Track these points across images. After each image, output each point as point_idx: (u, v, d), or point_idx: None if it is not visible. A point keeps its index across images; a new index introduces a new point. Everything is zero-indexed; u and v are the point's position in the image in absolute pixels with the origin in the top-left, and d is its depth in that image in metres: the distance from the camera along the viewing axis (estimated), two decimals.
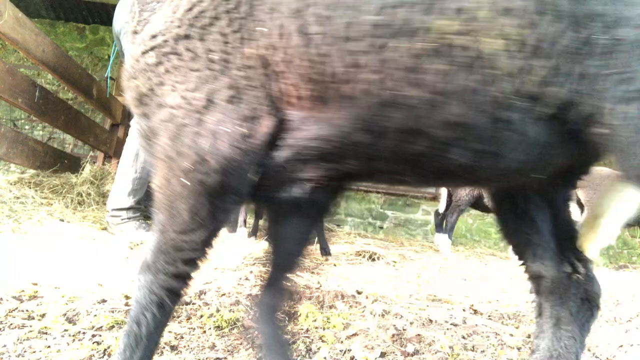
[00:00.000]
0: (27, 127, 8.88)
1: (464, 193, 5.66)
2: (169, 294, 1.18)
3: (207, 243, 1.15)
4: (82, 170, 5.84)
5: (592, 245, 1.22)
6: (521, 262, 1.44)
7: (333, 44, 0.97)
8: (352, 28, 0.96)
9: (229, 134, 1.03)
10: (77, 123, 5.88)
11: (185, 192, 1.09)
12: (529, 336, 2.33)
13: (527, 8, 0.93)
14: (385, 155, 1.06)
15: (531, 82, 0.95)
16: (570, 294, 1.34)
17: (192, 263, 1.18)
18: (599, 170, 5.73)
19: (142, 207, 4.24)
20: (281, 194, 1.22)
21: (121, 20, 3.87)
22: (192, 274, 1.21)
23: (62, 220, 4.23)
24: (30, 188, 5.06)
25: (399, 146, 1.03)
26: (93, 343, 1.90)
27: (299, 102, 1.04)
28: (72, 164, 6.02)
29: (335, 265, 4.13)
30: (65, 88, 7.71)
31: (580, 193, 5.51)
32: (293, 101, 1.05)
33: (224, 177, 1.06)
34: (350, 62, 0.97)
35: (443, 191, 6.12)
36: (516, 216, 1.38)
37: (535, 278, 1.41)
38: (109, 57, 4.58)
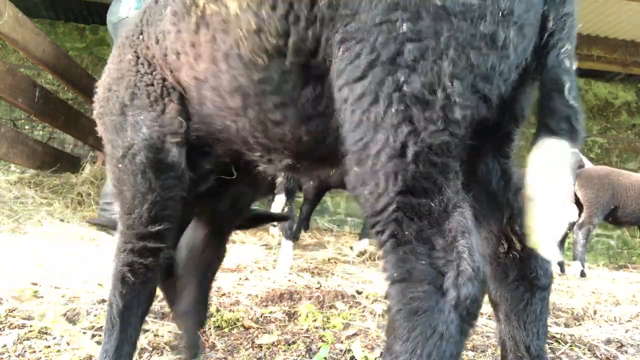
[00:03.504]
0: (27, 127, 8.88)
1: None
2: (129, 268, 1.32)
3: (154, 218, 1.28)
4: (82, 170, 5.83)
5: (541, 239, 0.95)
6: None
7: None
8: None
9: None
10: (77, 123, 5.88)
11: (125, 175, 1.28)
12: None
13: None
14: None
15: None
16: (510, 274, 1.15)
17: (146, 237, 1.30)
18: (597, 170, 5.72)
19: None
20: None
21: (115, 14, 3.94)
22: (151, 249, 1.32)
23: (62, 220, 4.23)
24: (30, 188, 5.07)
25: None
26: (93, 343, 1.90)
27: None
28: (72, 164, 6.02)
29: (335, 265, 4.13)
30: (65, 88, 7.71)
31: (578, 192, 5.50)
32: None
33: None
34: None
35: None
36: None
37: None
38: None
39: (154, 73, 1.27)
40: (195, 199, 1.52)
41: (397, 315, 0.87)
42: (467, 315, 0.87)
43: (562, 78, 0.96)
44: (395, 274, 0.90)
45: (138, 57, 1.30)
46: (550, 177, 0.94)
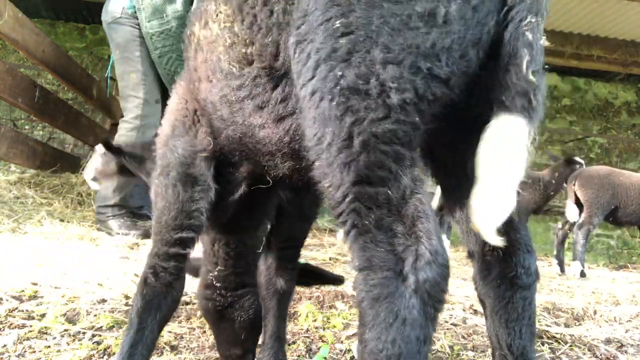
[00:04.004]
0: (27, 127, 8.88)
1: None
2: (152, 271, 1.40)
3: (179, 226, 1.38)
4: (82, 170, 5.83)
5: (481, 222, 0.91)
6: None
7: None
8: None
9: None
10: (77, 123, 5.88)
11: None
12: None
13: None
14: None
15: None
16: (492, 272, 1.14)
17: (169, 243, 1.39)
18: (597, 170, 5.72)
19: (128, 205, 4.18)
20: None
21: (108, 13, 3.95)
22: (172, 254, 1.40)
23: (62, 220, 4.23)
24: (30, 188, 5.07)
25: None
26: (93, 343, 1.90)
27: None
28: (72, 164, 6.02)
29: (335, 265, 4.13)
30: (65, 88, 7.71)
31: (578, 192, 5.50)
32: None
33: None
34: None
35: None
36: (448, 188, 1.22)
37: (470, 259, 1.24)
38: (109, 57, 4.56)
39: (188, 106, 1.45)
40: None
41: (362, 304, 0.89)
42: (430, 299, 0.86)
43: (521, 51, 0.91)
44: (358, 263, 0.91)
45: (178, 98, 1.50)
46: (500, 156, 0.89)
